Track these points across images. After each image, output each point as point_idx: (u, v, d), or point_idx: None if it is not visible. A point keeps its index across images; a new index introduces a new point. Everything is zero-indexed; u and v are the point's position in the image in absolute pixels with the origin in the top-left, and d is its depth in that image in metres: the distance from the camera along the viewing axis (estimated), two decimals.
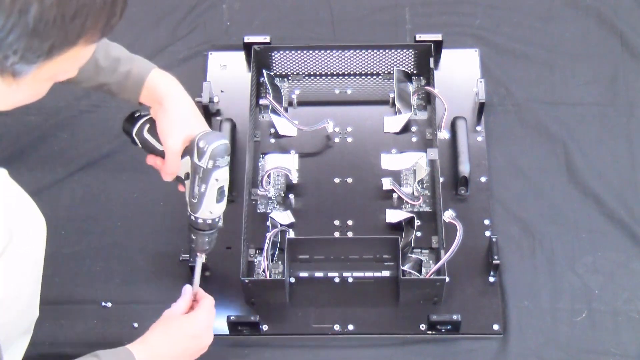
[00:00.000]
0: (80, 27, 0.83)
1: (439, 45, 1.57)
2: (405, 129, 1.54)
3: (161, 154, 1.21)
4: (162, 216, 1.47)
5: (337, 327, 1.36)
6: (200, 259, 1.25)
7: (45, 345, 1.34)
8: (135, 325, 1.37)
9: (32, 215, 1.16)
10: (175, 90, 1.21)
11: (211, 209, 1.18)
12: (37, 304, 1.24)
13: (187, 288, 1.27)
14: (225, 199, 1.19)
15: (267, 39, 1.57)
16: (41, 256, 1.19)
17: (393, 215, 1.43)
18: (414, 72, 1.58)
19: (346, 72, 1.59)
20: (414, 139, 1.53)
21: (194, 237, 1.22)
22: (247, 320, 1.33)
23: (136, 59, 1.23)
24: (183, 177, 1.20)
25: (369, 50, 1.56)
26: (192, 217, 1.20)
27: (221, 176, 1.16)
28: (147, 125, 1.22)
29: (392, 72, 1.58)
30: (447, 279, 1.33)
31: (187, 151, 1.18)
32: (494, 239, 1.38)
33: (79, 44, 0.85)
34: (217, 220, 1.21)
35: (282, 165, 1.47)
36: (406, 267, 1.37)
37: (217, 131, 1.17)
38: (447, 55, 1.60)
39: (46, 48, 0.83)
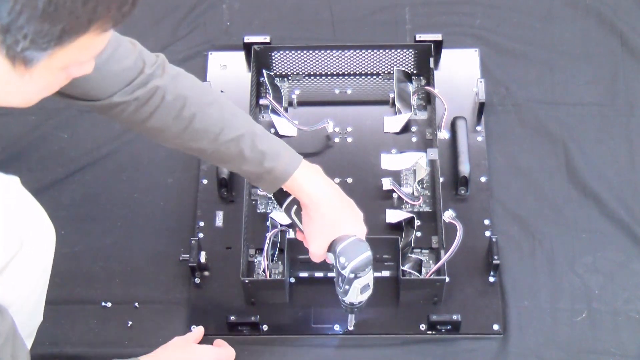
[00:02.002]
0: (92, 11, 0.81)
1: (439, 45, 1.57)
2: (405, 129, 1.54)
3: None
4: (162, 216, 1.47)
5: (337, 327, 1.36)
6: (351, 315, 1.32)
7: (45, 345, 1.34)
8: (130, 323, 1.37)
9: (42, 223, 1.16)
10: (318, 196, 1.21)
11: (357, 299, 1.23)
12: (41, 310, 1.24)
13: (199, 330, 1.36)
14: (371, 289, 1.23)
15: (267, 39, 1.57)
16: (49, 264, 1.19)
17: (393, 215, 1.43)
18: (414, 72, 1.58)
19: (346, 72, 1.59)
20: (414, 139, 1.53)
21: (343, 306, 1.27)
22: (247, 320, 1.33)
23: (283, 156, 1.20)
24: (330, 263, 1.23)
25: (369, 50, 1.56)
26: (341, 298, 1.25)
27: (363, 281, 1.20)
28: (295, 207, 1.24)
29: (392, 72, 1.58)
30: (447, 279, 1.33)
31: (331, 250, 1.20)
32: (494, 239, 1.38)
33: (90, 30, 0.84)
34: (364, 301, 1.25)
35: None
36: (406, 267, 1.37)
37: (359, 241, 1.19)
38: (447, 55, 1.60)
39: (57, 33, 0.81)
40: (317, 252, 1.22)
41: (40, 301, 1.23)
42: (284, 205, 1.24)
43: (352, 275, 1.18)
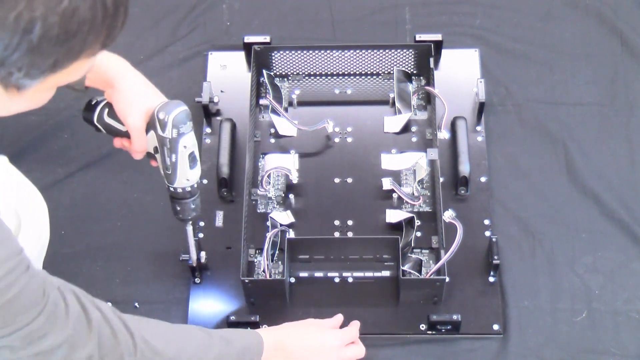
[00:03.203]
0: (83, 42, 0.84)
1: (439, 45, 1.57)
2: (405, 129, 1.54)
3: (127, 135, 1.20)
4: (162, 216, 1.47)
5: None
6: (189, 227, 1.27)
7: None
8: None
9: (34, 198, 1.17)
10: (123, 69, 1.20)
11: (187, 176, 1.19)
12: None
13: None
14: (198, 164, 1.19)
15: (267, 39, 1.57)
16: (46, 238, 1.20)
17: (393, 215, 1.43)
18: (414, 72, 1.58)
19: (346, 72, 1.59)
20: (414, 139, 1.53)
21: (178, 208, 1.23)
22: (247, 320, 1.33)
23: None
24: (153, 152, 1.20)
25: (369, 50, 1.56)
26: (171, 189, 1.21)
27: (188, 142, 1.16)
28: (107, 110, 1.21)
29: (392, 72, 1.58)
30: (447, 279, 1.33)
31: (150, 125, 1.17)
32: (494, 239, 1.38)
33: (82, 57, 0.86)
34: (195, 186, 1.21)
35: (282, 165, 1.47)
36: (406, 267, 1.37)
37: (174, 100, 1.17)
38: (447, 55, 1.60)
39: (50, 64, 0.84)
40: (135, 123, 1.18)
41: None
42: (96, 115, 1.21)
43: (175, 133, 1.15)
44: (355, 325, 1.32)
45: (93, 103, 1.22)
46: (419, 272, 1.37)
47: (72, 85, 1.20)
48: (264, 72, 1.56)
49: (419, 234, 1.43)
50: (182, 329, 1.18)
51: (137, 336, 1.06)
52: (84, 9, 0.82)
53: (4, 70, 0.83)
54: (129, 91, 1.18)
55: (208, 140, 1.53)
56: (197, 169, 1.20)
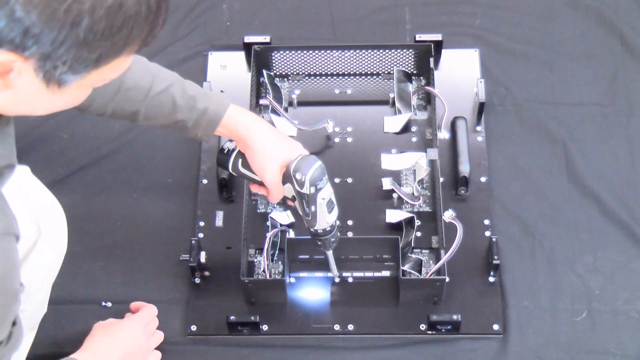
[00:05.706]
0: (126, 37, 0.86)
1: (439, 45, 1.57)
2: (405, 129, 1.54)
3: (262, 184, 1.24)
4: (162, 216, 1.47)
5: (337, 327, 1.36)
6: (329, 252, 1.32)
7: (45, 345, 1.34)
8: None
9: (54, 208, 1.18)
10: (254, 125, 1.24)
11: (326, 220, 1.24)
12: (47, 301, 1.26)
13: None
14: (336, 206, 1.24)
15: (267, 39, 1.57)
16: (64, 249, 1.20)
17: (393, 215, 1.43)
18: (414, 72, 1.58)
19: (346, 72, 1.59)
20: (414, 139, 1.53)
21: (319, 243, 1.28)
22: (247, 320, 1.33)
23: (212, 96, 1.25)
24: (290, 199, 1.24)
25: (369, 50, 1.56)
26: (312, 230, 1.26)
27: (325, 194, 1.21)
28: (240, 160, 1.25)
29: (392, 72, 1.58)
30: (447, 279, 1.33)
31: (287, 178, 1.21)
32: (494, 239, 1.38)
33: (123, 53, 0.89)
34: (334, 224, 1.26)
35: None
36: (406, 267, 1.37)
37: (307, 155, 1.22)
38: (447, 55, 1.60)
39: (94, 58, 0.86)
40: (272, 180, 1.22)
41: (48, 292, 1.24)
42: (231, 163, 1.25)
43: (312, 190, 1.19)
44: (149, 306, 1.34)
45: (226, 151, 1.26)
46: (419, 272, 1.37)
47: (201, 137, 1.26)
48: (264, 72, 1.56)
49: (419, 234, 1.43)
50: None
51: None
52: (129, 5, 0.84)
53: (49, 64, 0.85)
54: (263, 150, 1.22)
55: None
56: (334, 212, 1.24)
